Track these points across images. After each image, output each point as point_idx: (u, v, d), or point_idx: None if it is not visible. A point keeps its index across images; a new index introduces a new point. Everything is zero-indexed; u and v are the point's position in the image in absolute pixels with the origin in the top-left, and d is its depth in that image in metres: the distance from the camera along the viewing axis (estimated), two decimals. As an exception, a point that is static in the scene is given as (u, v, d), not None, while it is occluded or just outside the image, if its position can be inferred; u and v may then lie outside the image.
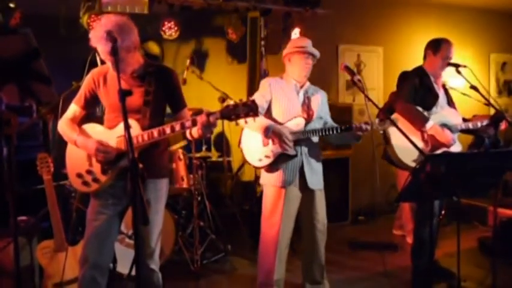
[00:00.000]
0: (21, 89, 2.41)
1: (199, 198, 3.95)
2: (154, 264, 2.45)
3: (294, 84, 2.98)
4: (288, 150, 2.81)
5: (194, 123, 2.11)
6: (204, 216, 4.25)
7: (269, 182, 2.96)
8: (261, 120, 2.87)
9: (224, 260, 4.05)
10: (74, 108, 2.42)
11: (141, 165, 2.30)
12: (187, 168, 3.95)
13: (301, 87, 3.00)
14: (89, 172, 2.32)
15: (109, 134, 2.30)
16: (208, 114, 2.06)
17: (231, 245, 4.22)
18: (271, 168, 2.92)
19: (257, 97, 2.92)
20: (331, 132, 2.86)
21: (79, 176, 2.34)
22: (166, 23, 4.54)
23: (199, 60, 5.27)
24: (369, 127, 2.82)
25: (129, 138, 1.78)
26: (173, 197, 4.20)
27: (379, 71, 6.09)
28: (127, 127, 1.80)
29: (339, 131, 2.85)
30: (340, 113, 4.73)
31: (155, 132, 2.30)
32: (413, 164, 3.08)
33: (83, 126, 2.42)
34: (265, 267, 2.96)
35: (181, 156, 3.86)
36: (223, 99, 4.15)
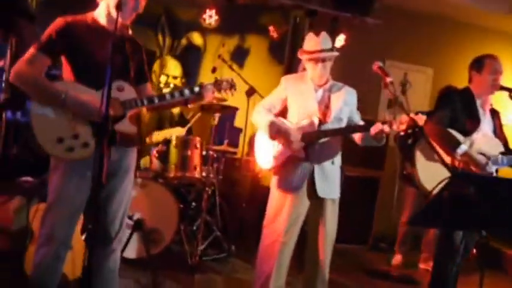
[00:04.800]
0: (4, 24, 2.31)
1: (209, 192, 3.78)
2: (117, 243, 2.29)
3: (312, 84, 2.75)
4: (295, 151, 2.59)
5: (192, 92, 2.18)
6: (214, 212, 4.09)
7: (275, 185, 2.75)
8: (267, 118, 2.70)
9: (225, 261, 3.84)
10: (40, 57, 2.04)
11: (134, 130, 2.22)
12: (203, 159, 3.81)
13: (320, 86, 2.76)
14: (75, 137, 2.07)
15: (97, 95, 2.04)
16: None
17: (237, 247, 4.01)
18: (278, 170, 2.73)
19: (271, 95, 2.82)
20: (342, 133, 2.65)
21: (60, 141, 2.05)
22: (207, 10, 4.46)
23: (239, 56, 5.17)
24: (386, 128, 2.43)
25: (108, 95, 1.64)
26: (186, 186, 4.07)
27: (426, 93, 5.72)
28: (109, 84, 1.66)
29: (355, 130, 2.62)
30: (377, 130, 4.44)
31: (155, 97, 2.18)
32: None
33: (57, 83, 2.09)
34: (263, 275, 2.71)
35: (198, 145, 3.72)
36: (250, 93, 3.98)
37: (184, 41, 5.81)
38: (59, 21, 2.07)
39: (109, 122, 1.60)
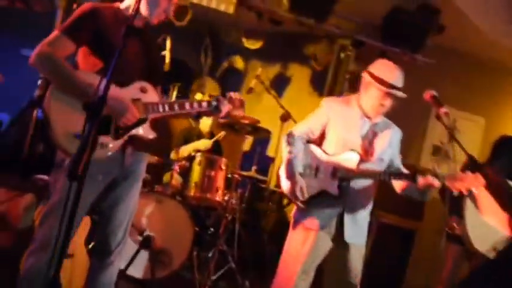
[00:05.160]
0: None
1: (229, 218, 3.51)
2: (116, 255, 2.05)
3: (359, 112, 2.43)
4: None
5: (210, 105, 2.12)
6: (232, 241, 3.78)
7: (298, 221, 2.44)
8: (290, 153, 2.40)
9: (237, 296, 3.50)
10: (64, 41, 1.87)
11: (153, 136, 2.02)
12: (227, 183, 3.56)
13: (369, 118, 2.45)
14: None
15: (121, 94, 1.91)
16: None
17: (251, 283, 3.66)
18: (304, 205, 2.39)
19: (311, 119, 2.50)
20: (387, 178, 2.29)
21: (77, 137, 1.82)
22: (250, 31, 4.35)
23: (279, 84, 5.00)
24: (436, 183, 2.15)
25: (108, 79, 1.43)
26: (205, 209, 3.81)
27: (475, 143, 5.28)
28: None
29: (396, 177, 2.28)
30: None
31: (176, 104, 2.01)
32: (489, 253, 2.41)
33: (80, 72, 1.92)
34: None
35: (223, 166, 3.48)
36: (285, 118, 3.75)
37: (225, 64, 5.76)
38: (86, 6, 1.93)
39: (103, 105, 1.37)
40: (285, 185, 2.40)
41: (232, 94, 2.18)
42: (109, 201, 2.03)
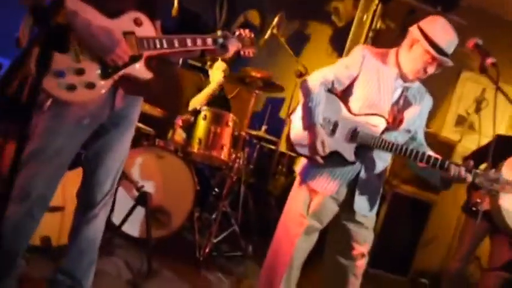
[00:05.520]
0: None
1: (234, 179, 3.28)
2: (101, 208, 1.85)
3: (396, 72, 2.10)
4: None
5: (216, 42, 1.85)
6: (237, 204, 3.58)
7: (304, 176, 2.17)
8: (313, 97, 2.07)
9: (238, 261, 3.31)
10: None
11: (148, 76, 1.77)
12: (233, 141, 3.31)
13: (405, 81, 2.12)
14: (79, 72, 1.62)
15: (110, 25, 1.64)
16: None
17: (255, 248, 3.48)
18: (315, 163, 2.11)
19: (339, 66, 2.15)
20: (412, 158, 1.99)
21: (59, 74, 1.59)
22: None
23: (297, 43, 4.66)
24: (469, 176, 1.88)
25: None
26: (210, 168, 3.59)
27: (504, 115, 4.92)
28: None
29: (423, 161, 1.97)
30: (439, 148, 3.73)
31: (176, 40, 1.74)
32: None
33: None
34: (272, 274, 2.19)
35: (230, 123, 3.22)
36: (301, 74, 3.45)
37: (241, 18, 5.40)
38: None
39: (58, 10, 1.10)
40: (298, 136, 2.13)
41: (241, 30, 1.91)
42: (96, 149, 1.80)
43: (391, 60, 2.11)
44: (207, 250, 3.03)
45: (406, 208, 4.11)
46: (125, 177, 2.76)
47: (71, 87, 1.61)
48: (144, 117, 3.52)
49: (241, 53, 1.94)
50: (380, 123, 2.06)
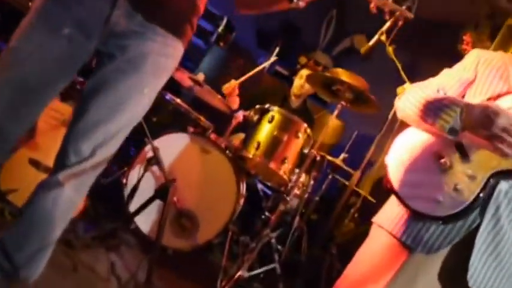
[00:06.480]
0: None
1: (288, 203, 2.58)
2: (67, 177, 1.27)
3: None
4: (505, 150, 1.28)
5: None
6: (286, 238, 2.86)
7: (386, 223, 1.42)
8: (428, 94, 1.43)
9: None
10: None
11: None
12: (299, 158, 2.64)
13: None
14: None
15: None
16: None
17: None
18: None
19: (445, 73, 1.53)
20: None
21: None
22: None
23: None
24: None
25: None
26: (265, 184, 2.95)
27: None
28: None
29: None
30: None
31: None
32: None
33: None
34: None
35: (301, 135, 2.56)
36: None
37: (347, 42, 4.97)
38: None
39: None
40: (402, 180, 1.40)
41: None
42: (91, 84, 1.27)
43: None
44: (231, 282, 2.34)
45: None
46: (155, 161, 2.23)
47: None
48: (205, 109, 3.06)
49: None
50: None
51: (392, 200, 1.44)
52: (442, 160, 1.33)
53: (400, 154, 1.40)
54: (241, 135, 2.84)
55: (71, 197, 1.30)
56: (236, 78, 3.03)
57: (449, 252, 1.34)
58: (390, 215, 1.41)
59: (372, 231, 1.47)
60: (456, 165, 1.33)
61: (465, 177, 1.31)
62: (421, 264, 1.35)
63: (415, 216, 1.33)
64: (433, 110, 1.39)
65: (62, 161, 1.27)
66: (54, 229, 1.31)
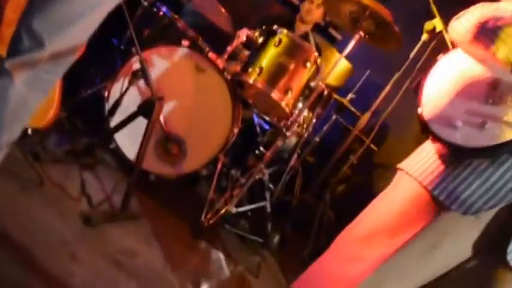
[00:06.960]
0: None
1: (286, 140, 2.34)
2: (16, 63, 1.05)
3: None
4: None
5: None
6: (280, 177, 2.66)
7: (416, 172, 1.19)
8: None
9: (254, 249, 2.40)
10: None
11: None
12: (304, 90, 2.36)
13: None
14: None
15: None
16: None
17: (283, 241, 2.57)
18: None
19: None
20: None
21: None
22: None
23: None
24: None
25: None
26: (262, 117, 2.69)
27: None
28: None
29: None
30: None
31: None
32: None
33: None
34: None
35: (310, 64, 2.26)
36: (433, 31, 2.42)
37: None
38: None
39: None
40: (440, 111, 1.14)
41: None
42: None
43: None
44: (217, 216, 2.15)
45: None
46: (142, 74, 1.94)
47: None
48: (204, 29, 2.73)
49: None
50: None
51: (426, 146, 1.21)
52: (496, 91, 1.08)
53: (444, 77, 1.14)
54: (244, 53, 2.54)
55: (23, 93, 1.05)
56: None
57: (492, 218, 1.11)
58: (421, 164, 1.18)
59: (396, 178, 1.24)
60: (509, 100, 1.08)
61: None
62: (451, 226, 1.12)
63: (451, 158, 1.10)
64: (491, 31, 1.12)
65: (13, 46, 1.02)
66: (3, 129, 1.07)
